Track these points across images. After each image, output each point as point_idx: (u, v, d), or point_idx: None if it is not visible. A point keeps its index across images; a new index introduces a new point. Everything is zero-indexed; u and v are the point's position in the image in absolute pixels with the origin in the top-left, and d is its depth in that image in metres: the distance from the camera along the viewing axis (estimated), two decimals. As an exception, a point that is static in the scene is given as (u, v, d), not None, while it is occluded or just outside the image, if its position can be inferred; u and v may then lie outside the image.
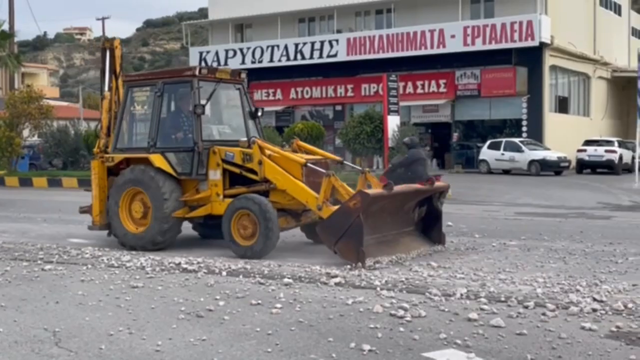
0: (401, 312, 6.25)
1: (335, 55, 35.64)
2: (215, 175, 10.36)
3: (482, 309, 6.43)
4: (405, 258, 9.24)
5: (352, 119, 27.92)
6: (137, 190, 10.56)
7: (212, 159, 10.36)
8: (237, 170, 10.34)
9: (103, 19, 60.12)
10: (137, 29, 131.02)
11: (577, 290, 7.16)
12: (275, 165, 10.01)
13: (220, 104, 11.61)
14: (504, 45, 31.63)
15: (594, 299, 6.75)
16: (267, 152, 10.18)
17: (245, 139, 10.60)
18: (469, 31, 32.25)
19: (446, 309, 6.46)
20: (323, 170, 9.83)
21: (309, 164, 9.93)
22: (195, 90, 10.35)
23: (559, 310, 6.39)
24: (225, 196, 10.29)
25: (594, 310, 6.35)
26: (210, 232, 11.29)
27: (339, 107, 36.94)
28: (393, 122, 22.70)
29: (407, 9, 35.29)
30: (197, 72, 10.48)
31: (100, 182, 11.13)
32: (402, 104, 25.28)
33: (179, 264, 8.90)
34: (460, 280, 7.82)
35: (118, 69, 11.52)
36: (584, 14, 37.13)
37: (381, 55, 34.23)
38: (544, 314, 6.23)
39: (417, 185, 10.19)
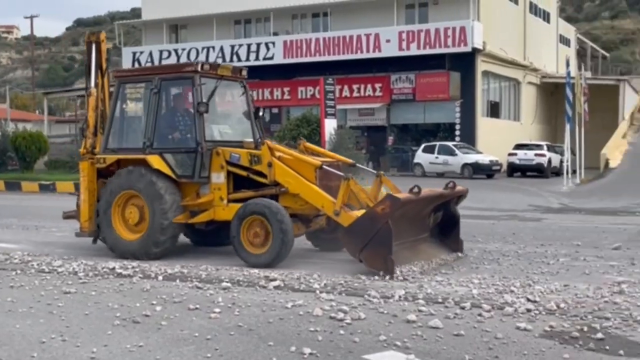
0: (341, 315, 6.25)
1: (271, 58, 35.58)
2: (219, 178, 9.67)
3: (420, 311, 6.48)
4: (429, 266, 8.83)
5: (289, 122, 27.89)
6: (132, 194, 9.76)
7: (215, 161, 9.67)
8: (243, 172, 9.68)
9: (32, 17, 58.57)
10: (67, 28, 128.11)
11: (512, 291, 7.30)
12: (286, 168, 9.40)
13: (221, 103, 10.92)
14: (438, 51, 32.18)
15: (528, 299, 6.89)
16: (277, 153, 9.59)
17: (250, 139, 10.10)
18: (404, 36, 32.69)
19: (385, 311, 6.49)
20: (340, 173, 9.32)
21: (324, 167, 9.37)
22: (197, 87, 9.71)
23: (494, 310, 6.50)
24: (229, 201, 9.67)
25: (528, 310, 6.49)
26: (203, 239, 10.76)
27: (275, 110, 36.88)
28: (330, 126, 22.78)
29: (343, 12, 35.53)
30: (199, 68, 9.79)
31: (89, 185, 10.26)
32: (338, 107, 25.41)
33: (113, 268, 8.70)
34: (398, 282, 7.88)
35: (104, 65, 10.87)
36: (515, 21, 38.12)
37: (318, 59, 34.36)
38: (480, 315, 6.33)
39: (440, 190, 9.70)
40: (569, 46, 50.83)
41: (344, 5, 35.29)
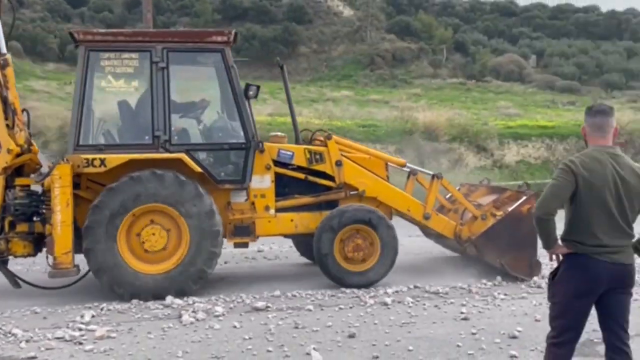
0: None
1: None
2: (263, 182, 7.99)
3: None
4: None
5: None
6: (152, 207, 7.40)
7: (258, 160, 7.92)
8: (298, 174, 8.23)
9: None
10: None
11: None
12: (360, 167, 8.31)
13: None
14: None
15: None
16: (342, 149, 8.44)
17: (280, 133, 8.73)
18: None
19: None
20: (427, 172, 8.63)
21: (409, 165, 8.62)
22: (233, 65, 7.79)
23: None
24: (277, 210, 8.10)
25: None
26: None
27: None
28: None
29: None
30: (231, 39, 7.78)
31: (69, 200, 7.27)
32: None
33: None
34: None
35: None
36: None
37: None
38: None
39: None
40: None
41: None
